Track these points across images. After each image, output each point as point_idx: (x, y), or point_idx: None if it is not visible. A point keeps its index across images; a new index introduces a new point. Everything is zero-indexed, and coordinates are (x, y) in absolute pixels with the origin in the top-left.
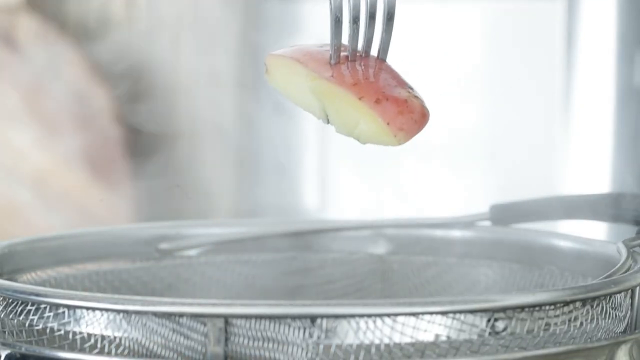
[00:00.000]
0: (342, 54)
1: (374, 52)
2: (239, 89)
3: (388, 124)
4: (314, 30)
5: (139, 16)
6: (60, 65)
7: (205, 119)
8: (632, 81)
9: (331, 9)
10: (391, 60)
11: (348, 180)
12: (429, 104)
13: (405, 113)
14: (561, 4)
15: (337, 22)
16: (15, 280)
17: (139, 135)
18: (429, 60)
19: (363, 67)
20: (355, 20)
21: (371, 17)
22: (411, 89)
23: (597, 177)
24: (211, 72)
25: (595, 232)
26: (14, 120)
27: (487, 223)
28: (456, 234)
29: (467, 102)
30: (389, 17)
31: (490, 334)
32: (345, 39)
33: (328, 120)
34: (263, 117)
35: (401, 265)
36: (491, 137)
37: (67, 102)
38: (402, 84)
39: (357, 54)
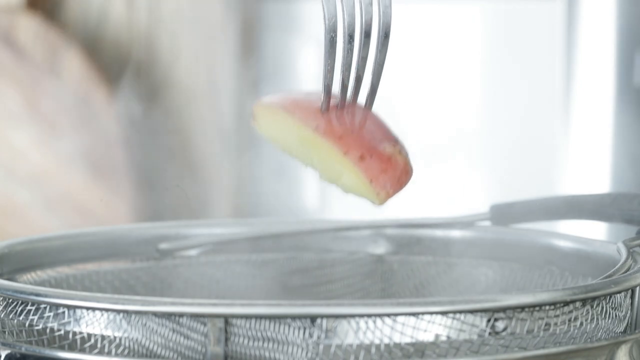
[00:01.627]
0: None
1: (367, 74)
2: (239, 89)
3: (371, 181)
4: (314, 31)
5: (139, 16)
6: (60, 65)
7: (205, 119)
8: (632, 81)
9: (325, 28)
10: (391, 61)
11: None
12: (429, 105)
13: (389, 171)
14: (561, 4)
15: (331, 42)
16: (15, 280)
17: (138, 135)
18: (429, 60)
19: (350, 118)
20: (350, 38)
21: (366, 35)
22: (396, 142)
23: (597, 177)
24: (211, 72)
25: (595, 232)
26: (13, 120)
27: (487, 223)
28: (456, 234)
29: (467, 102)
30: (385, 36)
31: (490, 334)
32: (338, 60)
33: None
34: None
35: (401, 265)
36: (491, 137)
37: (67, 102)
38: (389, 137)
39: (345, 103)
